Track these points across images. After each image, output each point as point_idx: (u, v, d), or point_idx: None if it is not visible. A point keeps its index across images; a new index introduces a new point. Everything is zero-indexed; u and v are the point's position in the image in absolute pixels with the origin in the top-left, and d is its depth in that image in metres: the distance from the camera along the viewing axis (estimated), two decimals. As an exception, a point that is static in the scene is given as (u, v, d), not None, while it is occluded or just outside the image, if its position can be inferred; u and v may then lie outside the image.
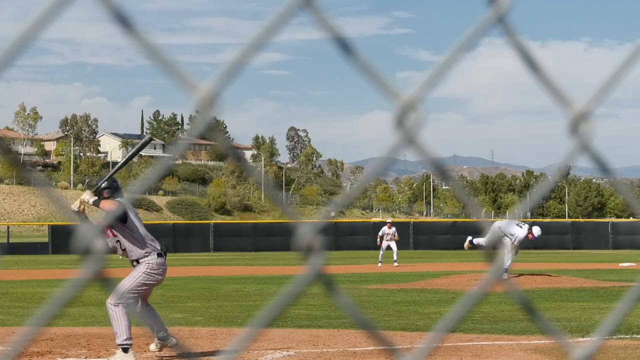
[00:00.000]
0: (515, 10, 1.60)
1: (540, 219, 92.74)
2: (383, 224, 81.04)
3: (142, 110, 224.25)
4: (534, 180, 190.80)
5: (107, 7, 1.24)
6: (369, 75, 1.44)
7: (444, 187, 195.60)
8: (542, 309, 14.48)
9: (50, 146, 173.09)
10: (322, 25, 1.38)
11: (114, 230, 11.13)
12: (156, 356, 11.36)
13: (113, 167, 13.19)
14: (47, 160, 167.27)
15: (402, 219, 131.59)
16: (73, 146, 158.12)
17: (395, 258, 40.80)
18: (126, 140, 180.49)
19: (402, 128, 1.46)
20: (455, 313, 1.60)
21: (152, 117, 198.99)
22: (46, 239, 67.26)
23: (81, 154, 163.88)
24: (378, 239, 42.20)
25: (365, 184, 1.68)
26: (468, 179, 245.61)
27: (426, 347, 1.62)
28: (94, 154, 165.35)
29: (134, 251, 11.07)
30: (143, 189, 1.57)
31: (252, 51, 1.34)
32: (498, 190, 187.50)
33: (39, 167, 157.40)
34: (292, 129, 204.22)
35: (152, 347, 11.55)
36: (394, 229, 42.16)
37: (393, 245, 41.23)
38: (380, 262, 40.90)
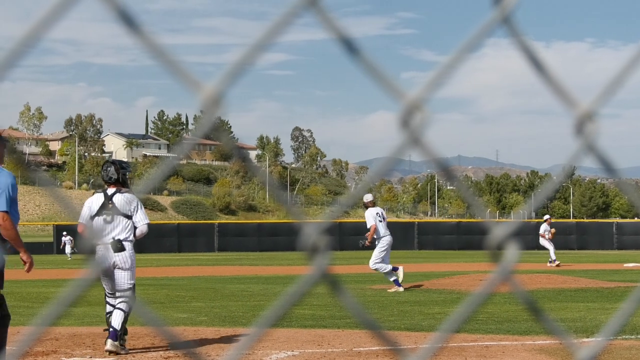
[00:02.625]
0: (519, 10, 1.59)
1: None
2: (387, 224, 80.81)
3: (147, 111, 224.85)
4: (538, 180, 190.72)
5: (111, 7, 1.24)
6: (375, 75, 1.44)
7: (448, 188, 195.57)
8: (546, 310, 14.46)
9: (55, 146, 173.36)
10: (328, 26, 1.38)
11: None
12: (161, 356, 11.37)
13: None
14: (52, 160, 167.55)
15: (406, 219, 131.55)
16: (78, 146, 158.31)
17: (553, 257, 39.44)
18: (131, 140, 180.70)
19: (408, 128, 1.46)
20: (460, 313, 1.60)
21: (156, 117, 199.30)
22: (51, 239, 67.41)
23: (86, 153, 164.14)
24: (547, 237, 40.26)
25: (370, 184, 1.68)
26: (473, 179, 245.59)
27: (431, 347, 1.62)
28: (99, 154, 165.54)
29: None
30: (148, 189, 1.57)
31: (257, 51, 1.34)
32: (503, 191, 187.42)
33: (44, 167, 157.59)
34: (296, 129, 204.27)
35: None
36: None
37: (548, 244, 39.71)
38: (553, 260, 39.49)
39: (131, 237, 11.68)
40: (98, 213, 11.67)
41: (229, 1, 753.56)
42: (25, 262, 8.93)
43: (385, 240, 22.63)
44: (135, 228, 11.72)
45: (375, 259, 22.70)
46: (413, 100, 1.47)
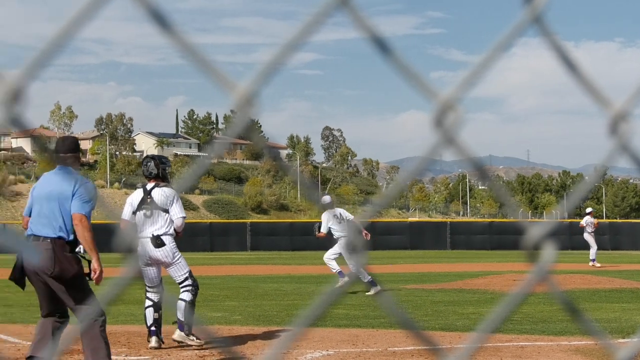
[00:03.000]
0: (548, 10, 1.59)
1: (578, 219, 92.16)
2: (420, 223, 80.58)
3: (177, 110, 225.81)
4: (570, 180, 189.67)
5: (144, 6, 1.24)
6: (407, 74, 1.43)
7: (480, 187, 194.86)
8: (581, 310, 14.39)
9: (85, 145, 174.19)
10: (359, 25, 1.37)
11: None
12: (196, 355, 11.40)
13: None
14: (83, 159, 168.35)
15: (439, 218, 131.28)
16: (109, 145, 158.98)
17: (593, 257, 38.40)
18: (161, 139, 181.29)
19: (441, 128, 1.46)
20: (498, 313, 1.60)
21: (186, 117, 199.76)
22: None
23: (117, 152, 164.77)
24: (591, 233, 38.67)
25: (404, 184, 1.68)
26: (504, 179, 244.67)
27: (470, 347, 1.61)
28: (130, 153, 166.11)
29: None
30: (183, 189, 1.58)
31: (290, 51, 1.33)
32: (535, 191, 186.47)
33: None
34: (326, 128, 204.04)
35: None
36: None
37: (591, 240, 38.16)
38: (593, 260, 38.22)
39: (171, 231, 11.91)
40: (138, 208, 11.95)
41: (258, 0, 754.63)
42: (94, 271, 8.77)
43: (344, 240, 22.12)
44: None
45: (332, 255, 22.22)
46: (446, 100, 1.47)
